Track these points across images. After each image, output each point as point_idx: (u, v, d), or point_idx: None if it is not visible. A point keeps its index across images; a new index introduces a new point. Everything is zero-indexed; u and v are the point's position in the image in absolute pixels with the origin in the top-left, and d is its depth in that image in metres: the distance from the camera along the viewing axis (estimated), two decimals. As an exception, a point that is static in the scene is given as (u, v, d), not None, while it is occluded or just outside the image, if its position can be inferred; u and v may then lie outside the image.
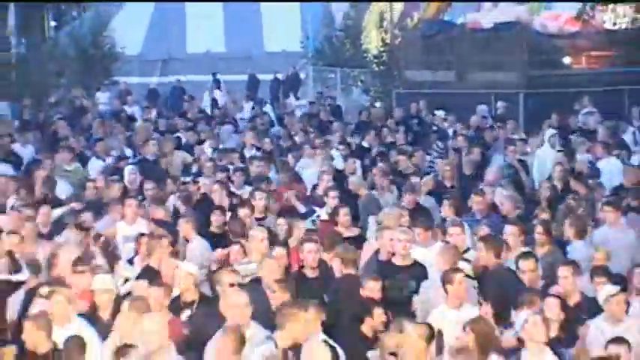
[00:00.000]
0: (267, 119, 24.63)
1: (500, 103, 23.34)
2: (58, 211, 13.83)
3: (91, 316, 9.68)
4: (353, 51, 37.69)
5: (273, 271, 10.23)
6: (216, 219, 13.24)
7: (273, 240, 11.76)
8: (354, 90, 35.69)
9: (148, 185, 15.01)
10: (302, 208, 14.37)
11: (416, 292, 10.41)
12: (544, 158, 17.05)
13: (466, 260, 10.83)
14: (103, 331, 9.20)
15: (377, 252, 11.35)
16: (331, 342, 8.45)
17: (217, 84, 33.80)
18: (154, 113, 25.77)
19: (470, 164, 16.64)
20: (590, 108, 22.07)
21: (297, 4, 44.58)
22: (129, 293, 10.33)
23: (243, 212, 13.09)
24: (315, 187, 15.77)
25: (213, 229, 13.14)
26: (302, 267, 11.00)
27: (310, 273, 10.83)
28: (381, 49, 32.56)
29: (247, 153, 18.76)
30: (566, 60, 25.91)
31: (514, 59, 25.03)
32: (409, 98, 25.36)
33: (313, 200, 15.04)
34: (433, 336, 8.37)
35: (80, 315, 9.49)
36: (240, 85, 34.39)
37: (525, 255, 10.45)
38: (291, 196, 14.80)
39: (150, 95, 32.60)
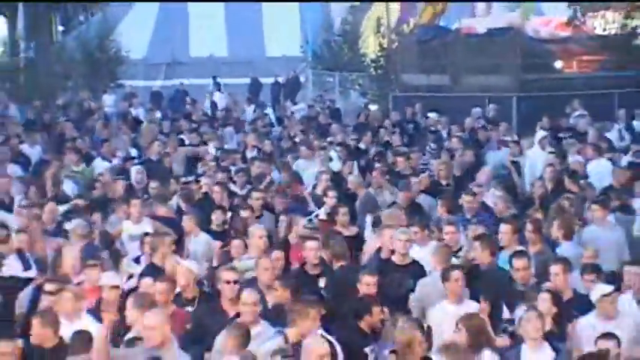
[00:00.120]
0: (267, 121, 24.67)
1: (491, 106, 23.35)
2: (62, 208, 13.91)
3: (97, 311, 9.69)
4: (351, 55, 37.80)
5: (268, 270, 10.23)
6: (216, 217, 13.28)
7: (270, 240, 11.80)
8: (352, 93, 35.73)
9: (153, 184, 15.04)
10: (312, 206, 14.43)
11: (413, 290, 10.43)
12: (534, 159, 17.08)
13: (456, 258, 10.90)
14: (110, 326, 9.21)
15: (379, 250, 11.38)
16: (328, 337, 8.46)
17: (217, 87, 33.86)
18: (158, 115, 25.81)
19: (461, 166, 16.66)
20: (581, 111, 22.09)
21: (297, 10, 44.61)
22: (133, 289, 10.35)
23: (244, 212, 13.14)
24: (314, 187, 15.79)
25: (213, 227, 13.17)
26: (304, 264, 11.01)
27: (312, 270, 10.84)
28: (379, 53, 32.59)
29: (249, 154, 18.78)
30: (558, 64, 25.92)
31: (507, 63, 25.03)
32: (405, 101, 25.40)
33: (313, 200, 15.06)
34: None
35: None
36: (241, 88, 34.41)
37: (519, 253, 10.46)
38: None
39: (153, 97, 32.68)
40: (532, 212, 12.72)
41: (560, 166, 15.74)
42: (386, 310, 9.43)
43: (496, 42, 25.40)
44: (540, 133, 18.59)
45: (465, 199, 13.39)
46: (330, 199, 13.77)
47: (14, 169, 16.99)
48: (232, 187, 15.54)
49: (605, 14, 26.76)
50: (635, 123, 21.56)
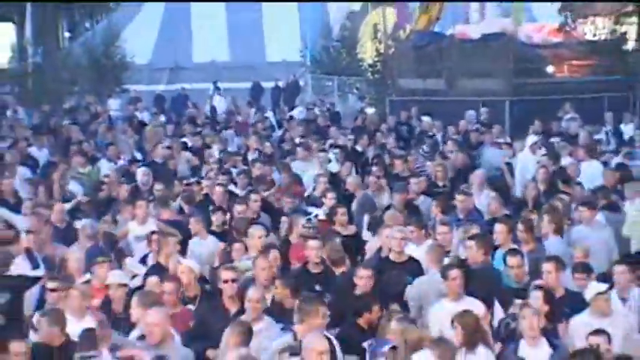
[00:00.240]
0: (268, 124, 24.68)
1: (483, 109, 23.36)
2: (66, 206, 14.03)
3: (104, 309, 9.72)
4: (349, 60, 37.84)
5: (265, 270, 10.22)
6: (216, 218, 13.29)
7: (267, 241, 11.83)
8: (350, 97, 35.75)
9: (158, 186, 15.06)
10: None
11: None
12: (525, 163, 17.10)
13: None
14: (116, 323, 9.21)
15: (379, 249, 11.40)
16: (327, 333, 8.46)
17: (217, 91, 33.92)
18: (162, 119, 25.82)
19: (453, 168, 16.66)
20: (572, 114, 22.10)
21: (297, 16, 44.67)
22: (137, 288, 10.36)
23: (239, 207, 13.27)
24: (313, 189, 15.79)
25: (213, 227, 13.16)
26: (306, 263, 11.02)
27: (314, 269, 10.85)
28: (376, 58, 32.58)
29: (250, 156, 18.78)
30: (550, 69, 25.96)
31: (500, 68, 25.04)
32: (402, 105, 25.41)
33: (312, 201, 15.07)
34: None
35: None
36: (243, 92, 34.41)
37: (512, 251, 10.46)
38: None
39: (157, 101, 32.68)
40: (526, 213, 12.71)
41: (552, 167, 15.74)
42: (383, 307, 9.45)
43: (490, 47, 25.42)
44: (531, 138, 18.59)
45: (458, 199, 13.37)
46: (329, 200, 13.76)
47: (23, 171, 17.00)
48: (233, 188, 15.56)
49: (595, 20, 26.82)
50: (622, 126, 21.58)
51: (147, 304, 8.84)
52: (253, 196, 13.96)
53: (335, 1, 42.61)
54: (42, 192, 14.96)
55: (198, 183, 15.87)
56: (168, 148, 18.57)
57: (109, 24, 38.23)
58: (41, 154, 19.26)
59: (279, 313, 9.38)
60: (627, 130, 21.18)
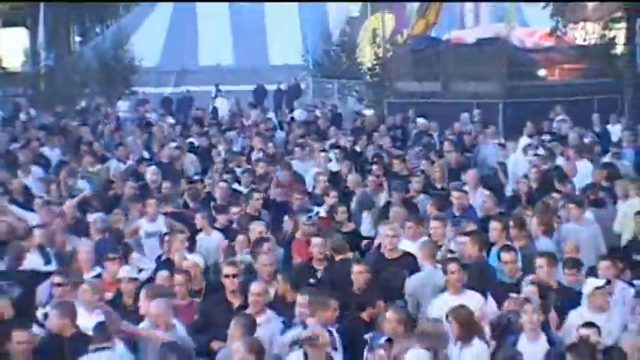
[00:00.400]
0: (271, 125, 24.67)
1: (476, 111, 23.35)
2: (73, 201, 14.07)
3: (115, 302, 9.75)
4: (349, 64, 37.85)
5: (267, 265, 10.22)
6: (220, 218, 13.23)
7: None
8: (350, 99, 35.74)
9: (166, 185, 15.08)
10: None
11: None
12: (518, 162, 17.10)
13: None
14: (126, 316, 9.23)
15: (379, 246, 11.37)
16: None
17: (219, 93, 33.96)
18: (171, 120, 25.87)
19: (447, 167, 16.64)
20: (563, 116, 22.10)
21: (298, 21, 44.72)
22: (144, 282, 10.39)
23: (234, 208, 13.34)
24: (314, 187, 15.79)
25: (216, 224, 13.16)
26: (310, 259, 11.00)
27: (318, 265, 10.83)
28: (374, 62, 32.59)
29: (254, 156, 18.79)
30: (542, 72, 25.99)
31: (494, 71, 25.04)
32: (400, 107, 25.39)
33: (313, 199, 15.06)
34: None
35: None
36: (246, 94, 34.42)
37: (506, 247, 10.43)
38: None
39: (164, 103, 32.70)
40: (519, 211, 12.68)
41: (548, 165, 15.73)
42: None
43: (484, 51, 25.44)
44: (524, 139, 18.57)
45: (454, 196, 13.34)
46: (331, 198, 13.78)
47: (36, 170, 17.04)
48: (237, 186, 15.58)
49: (585, 26, 26.82)
50: (609, 127, 21.58)
51: (151, 295, 8.90)
52: (255, 195, 13.97)
53: (336, 1, 42.63)
54: (54, 189, 15.02)
55: (202, 181, 15.89)
56: (178, 148, 18.65)
57: (119, 29, 38.32)
58: (53, 154, 19.28)
59: (282, 307, 9.38)
60: (614, 130, 21.17)
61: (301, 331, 8.29)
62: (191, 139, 20.95)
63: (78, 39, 48.47)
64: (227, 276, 9.70)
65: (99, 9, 45.57)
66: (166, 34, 44.87)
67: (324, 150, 18.30)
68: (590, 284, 9.15)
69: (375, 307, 9.09)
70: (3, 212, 13.07)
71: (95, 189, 15.72)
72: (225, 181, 15.11)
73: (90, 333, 8.37)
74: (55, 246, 11.78)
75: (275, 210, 14.12)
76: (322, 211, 13.63)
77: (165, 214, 13.30)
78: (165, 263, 11.10)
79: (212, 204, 13.98)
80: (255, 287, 9.08)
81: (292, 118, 26.96)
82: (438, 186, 15.49)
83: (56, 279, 9.78)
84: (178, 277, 9.88)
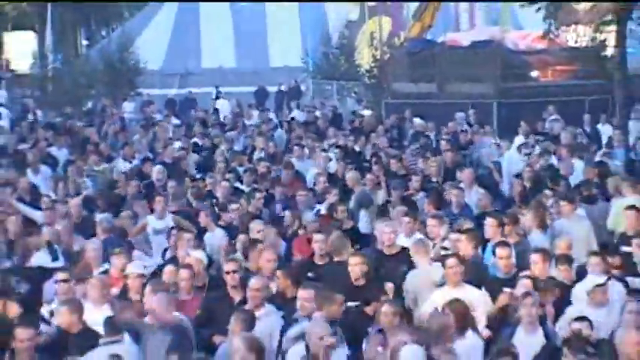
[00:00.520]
0: (272, 125, 24.65)
1: (470, 111, 23.33)
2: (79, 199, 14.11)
3: (122, 297, 9.74)
4: (347, 66, 37.85)
5: (270, 262, 10.19)
6: (224, 217, 13.24)
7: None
8: (349, 100, 35.74)
9: (171, 183, 15.07)
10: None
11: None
12: (512, 161, 17.08)
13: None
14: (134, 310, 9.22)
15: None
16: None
17: (220, 94, 33.96)
18: (176, 121, 25.87)
19: (443, 166, 16.63)
20: (555, 116, 22.08)
21: (298, 24, 44.72)
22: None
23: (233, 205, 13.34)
24: (314, 186, 15.78)
25: (220, 222, 13.13)
26: (312, 255, 10.97)
27: (319, 260, 10.81)
28: (372, 64, 32.55)
29: (256, 155, 18.78)
30: (534, 74, 25.96)
31: (488, 73, 25.01)
32: (397, 107, 25.37)
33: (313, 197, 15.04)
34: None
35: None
36: (248, 96, 34.42)
37: (501, 243, 10.41)
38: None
39: (168, 104, 32.69)
40: (514, 209, 12.66)
41: (543, 164, 15.70)
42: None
43: (478, 54, 25.44)
44: (519, 139, 18.55)
45: (452, 194, 13.34)
46: (332, 196, 13.76)
47: (44, 170, 17.03)
48: (239, 185, 15.55)
49: (577, 28, 26.77)
50: (599, 127, 21.58)
51: (155, 290, 8.91)
52: (257, 194, 13.99)
53: (336, 1, 42.60)
54: (61, 188, 15.01)
55: (204, 180, 15.90)
56: (183, 149, 18.63)
57: (124, 32, 38.31)
58: (61, 154, 19.27)
59: (281, 302, 9.35)
60: (604, 130, 21.18)
61: (308, 325, 8.28)
62: (195, 140, 20.93)
63: (85, 42, 48.54)
64: (228, 272, 9.72)
65: (103, 8, 45.59)
66: (170, 38, 44.88)
67: (324, 150, 18.29)
68: (590, 281, 9.12)
69: (380, 301, 9.08)
70: (11, 210, 13.06)
71: (98, 187, 15.73)
72: (227, 180, 15.11)
73: (96, 329, 8.35)
74: (63, 243, 11.77)
75: (275, 206, 14.10)
76: (323, 209, 13.63)
77: (173, 212, 13.30)
78: (171, 260, 11.08)
79: (214, 202, 13.98)
80: (253, 282, 9.06)
81: (292, 119, 26.93)
82: (433, 180, 15.49)
83: (60, 275, 9.75)
84: (183, 273, 9.89)
